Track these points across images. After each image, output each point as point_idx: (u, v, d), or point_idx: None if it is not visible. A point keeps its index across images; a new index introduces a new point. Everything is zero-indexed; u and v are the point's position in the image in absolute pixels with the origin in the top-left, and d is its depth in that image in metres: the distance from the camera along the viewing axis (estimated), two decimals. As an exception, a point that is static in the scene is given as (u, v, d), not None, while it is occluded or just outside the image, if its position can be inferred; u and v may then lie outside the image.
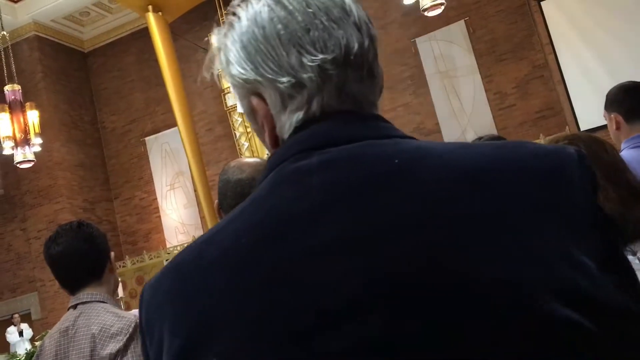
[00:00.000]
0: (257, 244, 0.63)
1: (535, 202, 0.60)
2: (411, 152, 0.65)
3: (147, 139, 13.79)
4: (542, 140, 9.95)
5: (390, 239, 0.58)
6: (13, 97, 8.79)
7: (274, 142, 0.74)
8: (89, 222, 2.06)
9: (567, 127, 10.26)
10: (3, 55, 9.51)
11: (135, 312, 2.12)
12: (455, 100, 11.37)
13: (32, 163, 9.12)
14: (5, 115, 8.67)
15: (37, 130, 8.81)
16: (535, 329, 0.55)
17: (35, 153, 8.99)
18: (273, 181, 0.68)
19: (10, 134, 8.66)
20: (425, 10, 8.17)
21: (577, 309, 0.56)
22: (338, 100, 0.69)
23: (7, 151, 8.91)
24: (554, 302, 0.55)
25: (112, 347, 1.83)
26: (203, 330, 0.62)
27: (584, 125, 10.04)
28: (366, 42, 0.70)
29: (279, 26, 0.69)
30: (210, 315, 0.62)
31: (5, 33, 9.37)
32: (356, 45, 0.69)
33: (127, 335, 1.85)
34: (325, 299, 0.58)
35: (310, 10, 0.69)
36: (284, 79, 0.69)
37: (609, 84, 2.78)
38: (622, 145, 2.44)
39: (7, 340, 11.77)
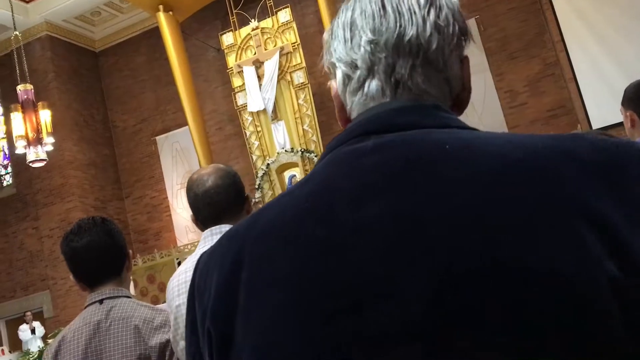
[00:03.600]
0: (298, 216, 0.65)
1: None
2: (465, 140, 0.64)
3: (157, 138, 13.85)
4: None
5: (432, 221, 0.58)
6: (25, 96, 8.84)
7: (343, 121, 0.78)
8: (109, 218, 2.05)
9: (579, 125, 10.19)
10: (15, 55, 9.58)
11: (164, 306, 2.15)
12: (465, 99, 11.30)
13: (45, 162, 9.17)
14: (18, 115, 8.73)
15: (49, 129, 8.86)
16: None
17: (47, 152, 9.04)
18: (327, 162, 0.70)
19: (23, 133, 8.72)
20: (435, 8, 8.14)
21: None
22: (389, 85, 0.72)
23: (19, 150, 8.97)
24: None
25: (160, 337, 1.87)
26: (243, 300, 0.65)
27: (596, 124, 9.97)
28: (428, 33, 0.71)
29: (356, 13, 0.74)
30: (249, 288, 0.65)
31: (17, 33, 9.43)
32: (412, 33, 0.71)
33: (173, 328, 1.90)
34: (361, 275, 0.58)
35: (382, 3, 0.73)
36: (343, 59, 0.75)
37: (621, 82, 2.76)
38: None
39: (20, 337, 11.88)
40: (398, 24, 0.71)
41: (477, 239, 0.56)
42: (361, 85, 0.73)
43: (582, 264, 0.55)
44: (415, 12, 0.71)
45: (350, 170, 0.65)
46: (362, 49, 0.72)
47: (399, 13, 0.71)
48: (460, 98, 0.77)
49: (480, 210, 0.58)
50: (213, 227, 1.92)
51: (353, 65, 0.73)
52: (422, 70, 0.71)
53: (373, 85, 0.72)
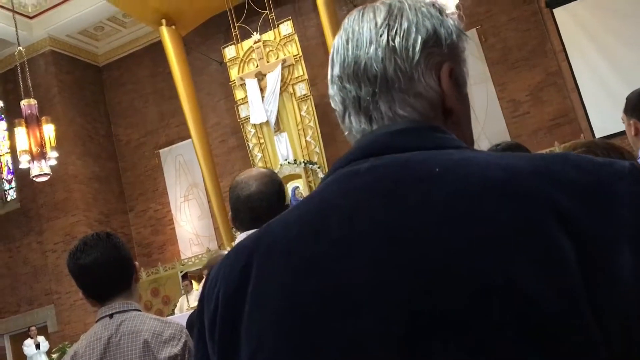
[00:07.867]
0: (300, 233, 0.69)
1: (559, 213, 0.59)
2: (454, 161, 0.66)
3: (161, 151, 13.88)
4: (557, 149, 9.88)
5: (411, 239, 0.62)
6: (29, 111, 8.89)
7: None
8: (113, 232, 2.07)
9: (581, 134, 10.18)
10: (19, 70, 9.63)
11: (174, 318, 2.15)
12: (468, 109, 11.32)
13: (48, 176, 9.20)
14: (22, 130, 8.76)
15: (53, 144, 8.89)
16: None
17: (51, 166, 9.07)
18: (327, 182, 0.74)
19: (27, 148, 8.75)
20: (436, 19, 8.16)
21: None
22: (361, 116, 0.75)
23: (23, 165, 9.00)
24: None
25: (169, 350, 1.87)
26: (248, 310, 0.69)
27: (598, 133, 9.96)
28: (380, 57, 0.73)
29: (333, 49, 0.79)
30: (254, 299, 0.69)
31: (21, 48, 9.49)
32: (364, 61, 0.73)
33: (182, 341, 1.91)
34: (348, 286, 0.63)
35: (347, 37, 0.76)
36: (331, 95, 0.80)
37: (622, 91, 2.76)
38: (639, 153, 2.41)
39: (24, 352, 11.83)
40: (354, 55, 0.74)
41: (450, 255, 0.60)
42: (343, 121, 0.78)
43: (549, 281, 0.57)
44: (369, 40, 0.73)
45: (345, 190, 0.69)
46: (334, 85, 0.77)
47: (356, 44, 0.74)
48: (449, 108, 0.75)
49: (455, 228, 0.60)
50: (250, 231, 1.93)
51: (334, 102, 0.78)
52: (385, 97, 0.73)
53: (350, 120, 0.76)
